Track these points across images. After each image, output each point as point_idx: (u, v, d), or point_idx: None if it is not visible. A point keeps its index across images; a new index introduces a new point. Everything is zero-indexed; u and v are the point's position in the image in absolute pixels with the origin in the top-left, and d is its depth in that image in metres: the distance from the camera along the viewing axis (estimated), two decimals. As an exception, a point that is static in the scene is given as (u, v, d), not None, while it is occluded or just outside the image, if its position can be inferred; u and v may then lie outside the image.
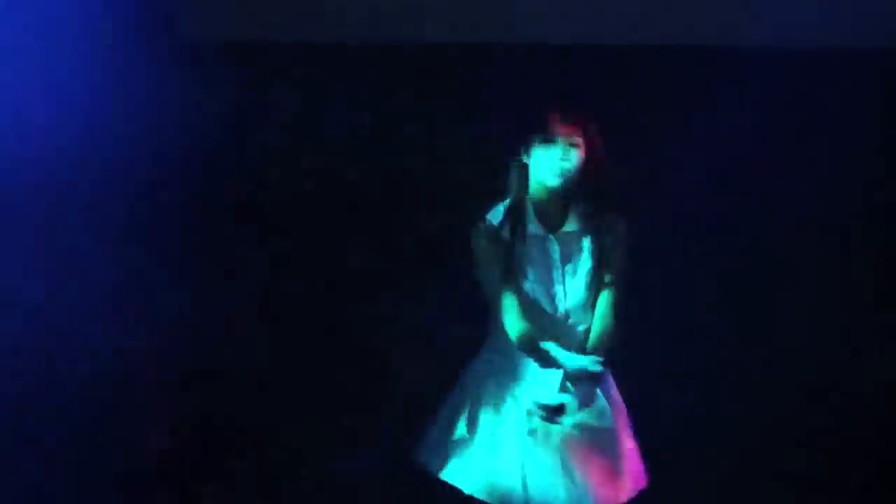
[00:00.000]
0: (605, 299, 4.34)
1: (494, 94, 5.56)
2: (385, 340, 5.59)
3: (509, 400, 4.36)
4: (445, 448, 4.41)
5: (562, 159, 4.25)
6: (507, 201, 4.37)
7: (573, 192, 4.31)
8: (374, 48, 5.69)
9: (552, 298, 4.32)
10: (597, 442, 4.32)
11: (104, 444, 5.64)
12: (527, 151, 4.31)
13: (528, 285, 4.31)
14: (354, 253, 5.61)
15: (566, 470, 4.30)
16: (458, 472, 4.39)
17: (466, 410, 4.42)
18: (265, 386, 5.74)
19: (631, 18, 5.65)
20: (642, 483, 4.41)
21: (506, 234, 4.33)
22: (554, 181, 4.27)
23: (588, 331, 4.34)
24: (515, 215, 4.34)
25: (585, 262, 4.33)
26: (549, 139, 4.25)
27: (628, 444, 4.39)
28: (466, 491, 4.38)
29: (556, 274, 4.31)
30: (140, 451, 5.70)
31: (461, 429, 4.41)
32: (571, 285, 4.32)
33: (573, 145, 4.26)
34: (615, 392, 4.43)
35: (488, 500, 4.36)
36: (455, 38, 5.69)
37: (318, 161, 5.74)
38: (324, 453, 5.67)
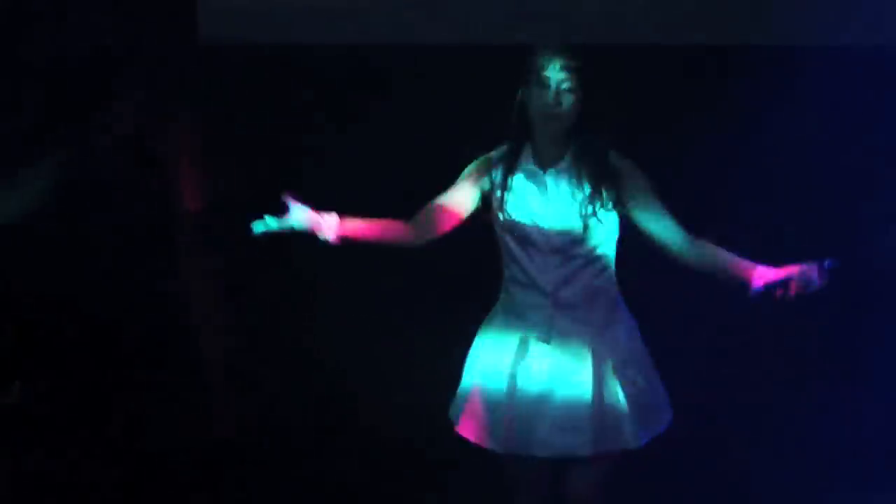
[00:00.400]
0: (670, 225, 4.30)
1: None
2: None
3: (501, 336, 4.38)
4: (456, 395, 4.47)
5: (554, 104, 4.23)
6: (506, 146, 4.37)
7: (570, 131, 4.28)
8: (389, 48, 5.75)
9: (546, 233, 4.30)
10: (574, 392, 4.29)
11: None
12: (524, 93, 4.29)
13: (520, 218, 4.31)
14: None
15: (545, 414, 4.29)
16: (460, 418, 4.42)
17: (474, 356, 4.46)
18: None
19: (639, 17, 5.70)
20: (630, 444, 4.33)
21: (502, 170, 4.34)
22: (546, 123, 4.26)
23: (583, 266, 4.32)
24: (512, 155, 4.34)
25: (580, 195, 4.28)
26: (541, 81, 4.24)
27: (614, 401, 4.32)
28: (462, 434, 4.42)
29: (549, 209, 4.30)
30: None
31: (468, 376, 4.45)
32: (565, 219, 4.29)
33: (568, 90, 4.23)
34: (625, 347, 4.40)
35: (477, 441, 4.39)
36: (459, 38, 5.74)
37: (327, 159, 5.82)
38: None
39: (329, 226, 4.32)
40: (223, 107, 5.89)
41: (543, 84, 4.23)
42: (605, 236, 4.32)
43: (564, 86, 4.22)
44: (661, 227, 4.30)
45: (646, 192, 4.31)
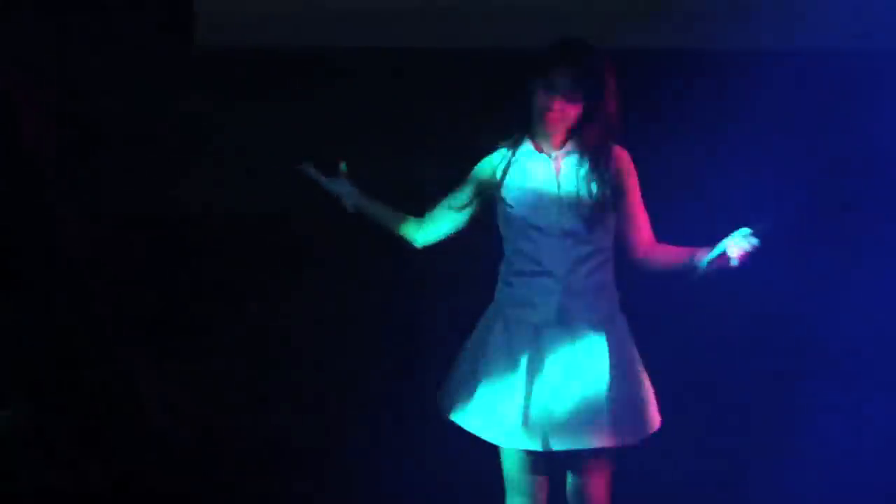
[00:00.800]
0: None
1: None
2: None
3: (508, 329, 4.34)
4: (454, 388, 4.41)
5: (556, 108, 4.22)
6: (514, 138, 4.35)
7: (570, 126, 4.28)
8: (384, 51, 5.76)
9: (553, 216, 4.29)
10: (588, 383, 4.27)
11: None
12: (531, 86, 4.27)
13: (526, 204, 4.30)
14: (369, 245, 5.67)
15: (562, 405, 4.26)
16: (465, 412, 4.37)
17: (473, 347, 4.42)
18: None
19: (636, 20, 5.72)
20: (631, 439, 4.33)
21: (506, 159, 4.34)
22: (544, 123, 4.26)
23: (585, 254, 4.30)
24: (515, 144, 4.33)
25: (584, 178, 4.28)
26: (547, 83, 4.22)
27: (622, 393, 4.31)
28: (471, 431, 4.36)
29: (555, 193, 4.28)
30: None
31: (466, 367, 4.40)
32: (572, 202, 4.28)
33: (571, 98, 4.22)
34: (627, 342, 4.39)
35: (489, 438, 4.35)
36: (462, 42, 5.76)
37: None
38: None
39: (350, 195, 4.46)
40: (219, 110, 5.89)
41: (549, 86, 4.24)
42: (608, 224, 4.33)
43: (568, 93, 4.23)
44: (635, 226, 4.34)
45: (634, 187, 4.33)
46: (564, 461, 4.37)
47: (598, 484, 4.39)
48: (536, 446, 4.27)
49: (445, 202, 4.43)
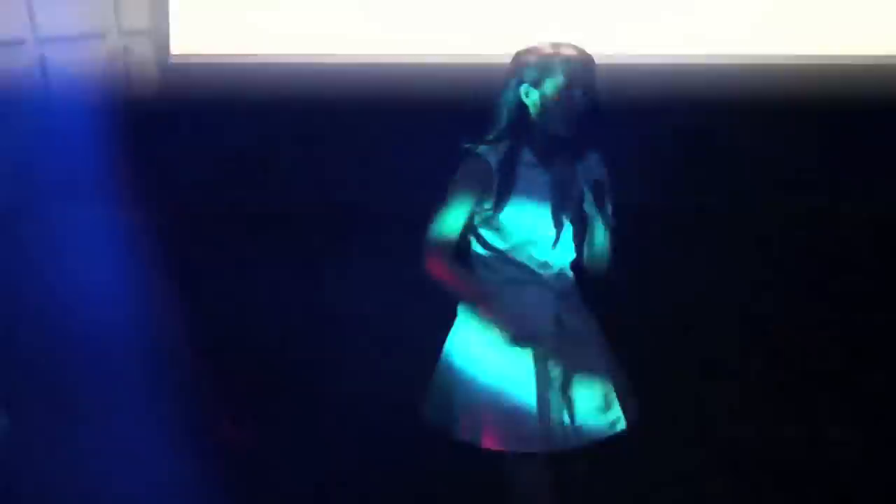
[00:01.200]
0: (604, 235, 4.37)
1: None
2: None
3: (493, 335, 4.33)
4: (450, 402, 4.40)
5: (576, 121, 4.27)
6: (502, 145, 4.34)
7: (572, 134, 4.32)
8: (371, 66, 5.78)
9: (550, 232, 4.34)
10: (591, 376, 4.36)
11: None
12: (532, 95, 4.30)
13: (523, 218, 4.33)
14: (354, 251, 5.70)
15: (580, 401, 4.34)
16: (477, 429, 4.35)
17: (461, 357, 4.42)
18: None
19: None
20: (634, 417, 4.42)
21: (502, 171, 4.32)
22: (563, 129, 4.29)
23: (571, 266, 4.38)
24: (511, 155, 4.32)
25: (579, 196, 4.32)
26: (566, 96, 4.26)
27: (617, 379, 4.40)
28: (490, 446, 4.35)
29: (554, 207, 4.34)
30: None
31: (460, 379, 4.39)
32: (570, 216, 4.33)
33: (585, 110, 4.27)
34: (601, 331, 4.46)
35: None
36: (458, 51, 5.78)
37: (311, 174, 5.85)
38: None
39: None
40: (195, 122, 5.90)
41: (569, 100, 4.26)
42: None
43: (583, 107, 4.27)
44: (600, 231, 4.38)
45: (607, 193, 4.38)
46: (570, 458, 4.43)
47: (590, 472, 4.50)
48: (559, 446, 4.33)
49: (455, 221, 4.39)
